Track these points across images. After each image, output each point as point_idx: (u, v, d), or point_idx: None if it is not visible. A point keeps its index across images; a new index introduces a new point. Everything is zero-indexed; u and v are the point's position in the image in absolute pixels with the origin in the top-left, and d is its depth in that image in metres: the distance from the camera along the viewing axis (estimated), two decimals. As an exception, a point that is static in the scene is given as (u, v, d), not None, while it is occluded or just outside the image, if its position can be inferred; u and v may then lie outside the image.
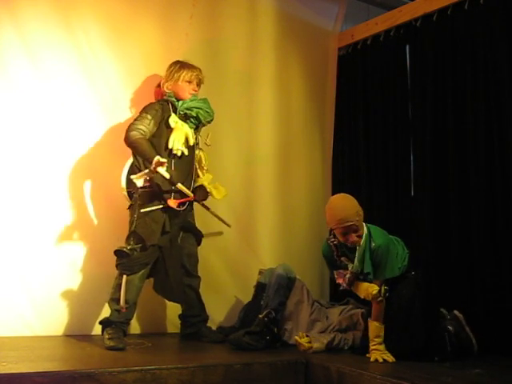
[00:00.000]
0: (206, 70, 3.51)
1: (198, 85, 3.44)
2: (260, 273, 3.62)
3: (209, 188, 3.45)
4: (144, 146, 3.15)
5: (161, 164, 3.05)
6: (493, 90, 3.42)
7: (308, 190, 4.35)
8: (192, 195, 3.32)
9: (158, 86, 3.47)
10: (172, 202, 3.20)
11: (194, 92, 3.39)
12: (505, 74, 3.35)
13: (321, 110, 4.47)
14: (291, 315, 3.38)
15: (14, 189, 3.30)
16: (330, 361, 2.80)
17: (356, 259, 2.99)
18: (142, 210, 3.13)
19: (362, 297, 2.99)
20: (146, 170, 3.08)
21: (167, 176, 3.10)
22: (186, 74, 3.37)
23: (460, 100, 3.60)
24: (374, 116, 4.21)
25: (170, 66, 3.41)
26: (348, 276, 3.02)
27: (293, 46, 4.35)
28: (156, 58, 3.68)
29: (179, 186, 3.18)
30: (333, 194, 4.39)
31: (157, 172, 3.06)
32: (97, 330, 3.22)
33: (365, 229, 3.03)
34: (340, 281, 3.06)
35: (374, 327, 2.92)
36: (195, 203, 3.44)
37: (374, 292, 2.91)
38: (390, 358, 2.82)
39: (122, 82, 3.64)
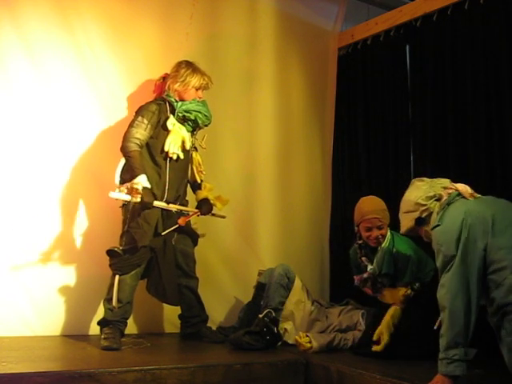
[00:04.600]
0: (206, 69, 3.50)
1: (203, 91, 3.41)
2: (259, 274, 3.63)
3: (212, 201, 3.47)
4: (136, 162, 3.11)
5: (136, 192, 2.99)
6: (493, 90, 3.41)
7: (308, 189, 4.35)
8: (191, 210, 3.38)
9: (161, 79, 3.42)
10: (181, 221, 3.29)
11: (198, 98, 3.36)
12: (505, 73, 3.35)
13: (321, 110, 4.47)
14: (291, 315, 3.38)
15: (13, 189, 3.31)
16: (329, 361, 2.80)
17: (375, 260, 3.10)
18: (162, 233, 3.22)
19: (391, 302, 3.07)
20: (125, 191, 3.04)
21: (137, 201, 3.03)
22: (197, 81, 3.33)
23: (460, 100, 3.60)
24: (374, 116, 4.21)
25: (181, 66, 3.34)
26: (365, 276, 3.14)
27: (293, 45, 4.35)
28: (156, 58, 3.68)
29: (156, 203, 3.13)
30: (333, 194, 4.44)
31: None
32: (97, 329, 3.21)
33: (389, 233, 3.15)
34: (357, 278, 3.20)
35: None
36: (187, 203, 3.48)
37: (401, 293, 3.02)
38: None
39: (122, 82, 3.64)
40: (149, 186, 3.08)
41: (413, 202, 2.51)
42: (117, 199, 3.08)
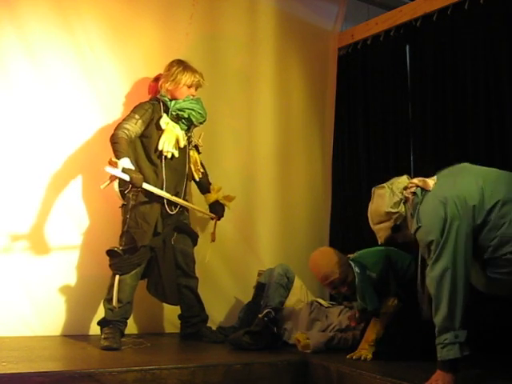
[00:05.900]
0: (206, 69, 3.51)
1: (196, 89, 3.42)
2: (259, 274, 3.63)
3: (222, 201, 3.55)
4: (120, 147, 3.10)
5: (112, 164, 2.99)
6: (493, 90, 3.42)
7: (308, 189, 4.36)
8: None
9: (154, 80, 3.45)
10: (213, 237, 3.54)
11: (192, 96, 3.38)
12: (505, 73, 3.35)
13: (321, 110, 4.47)
14: (290, 315, 3.38)
15: (13, 189, 3.31)
16: (330, 361, 2.80)
17: (358, 297, 3.03)
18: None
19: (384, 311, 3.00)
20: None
21: (126, 178, 3.01)
22: (188, 79, 3.34)
23: (460, 100, 3.60)
24: (374, 116, 4.21)
25: (172, 65, 3.37)
26: (357, 316, 3.09)
27: (293, 45, 4.35)
28: (156, 58, 3.68)
29: (145, 186, 3.12)
30: (333, 194, 4.43)
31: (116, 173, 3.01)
32: (97, 329, 3.21)
33: (355, 269, 3.04)
34: (352, 324, 3.15)
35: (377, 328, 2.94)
36: (190, 201, 3.54)
37: (394, 304, 2.94)
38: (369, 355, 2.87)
39: (121, 82, 3.64)
40: (132, 167, 3.07)
41: (383, 212, 2.47)
42: (109, 175, 3.04)
